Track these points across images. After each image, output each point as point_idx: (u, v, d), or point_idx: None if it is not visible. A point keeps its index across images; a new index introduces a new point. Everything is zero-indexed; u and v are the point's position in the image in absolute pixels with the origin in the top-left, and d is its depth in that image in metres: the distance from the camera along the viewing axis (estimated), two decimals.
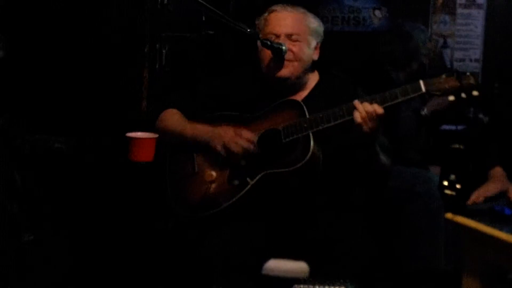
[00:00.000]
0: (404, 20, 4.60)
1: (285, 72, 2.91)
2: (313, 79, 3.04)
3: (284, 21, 2.95)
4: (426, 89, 2.64)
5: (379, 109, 2.66)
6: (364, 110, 2.66)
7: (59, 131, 3.71)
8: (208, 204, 2.86)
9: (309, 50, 2.96)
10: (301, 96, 2.98)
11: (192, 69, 4.26)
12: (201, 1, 3.00)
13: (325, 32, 3.08)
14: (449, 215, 2.27)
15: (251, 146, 2.83)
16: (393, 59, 4.22)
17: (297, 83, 2.97)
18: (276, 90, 2.96)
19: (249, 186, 2.81)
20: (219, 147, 2.85)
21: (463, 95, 2.62)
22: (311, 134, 2.77)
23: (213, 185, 2.89)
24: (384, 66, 4.21)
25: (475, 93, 2.62)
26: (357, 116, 2.67)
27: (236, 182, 2.84)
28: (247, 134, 2.85)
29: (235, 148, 2.83)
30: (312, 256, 2.74)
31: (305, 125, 2.78)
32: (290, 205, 2.85)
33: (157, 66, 3.97)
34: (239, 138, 2.83)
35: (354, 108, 2.68)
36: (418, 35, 4.33)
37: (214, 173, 2.90)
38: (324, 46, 3.09)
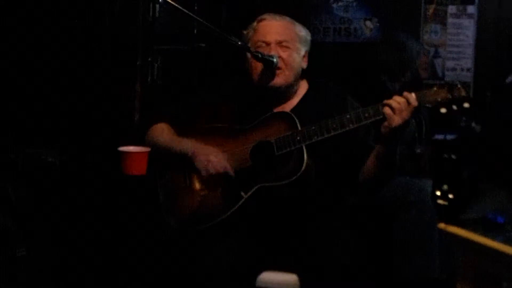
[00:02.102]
0: (398, 30, 4.61)
1: (276, 81, 2.91)
2: (302, 87, 3.05)
3: (273, 29, 2.97)
4: (419, 102, 2.65)
5: (411, 97, 2.65)
6: (396, 100, 2.65)
7: (52, 145, 3.70)
8: (202, 217, 2.86)
9: (299, 57, 2.97)
10: (291, 104, 2.99)
11: (184, 82, 4.26)
12: (193, 15, 3.01)
13: (317, 43, 3.10)
14: (442, 225, 2.27)
15: (227, 172, 2.84)
16: (388, 69, 4.24)
17: (288, 92, 2.98)
18: (267, 99, 2.97)
19: (243, 200, 2.81)
20: (200, 166, 2.87)
21: (454, 107, 2.63)
22: (304, 147, 2.77)
23: (207, 199, 2.89)
24: (379, 76, 4.22)
25: (466, 105, 2.63)
26: (388, 110, 2.63)
27: (230, 196, 2.84)
28: (223, 163, 2.86)
29: (212, 171, 2.85)
30: (306, 267, 2.74)
31: (298, 138, 2.78)
32: (284, 217, 2.85)
33: (149, 79, 3.96)
34: (216, 165, 2.85)
35: (383, 105, 2.67)
36: (412, 45, 4.34)
37: (207, 187, 2.90)
38: (316, 57, 3.10)
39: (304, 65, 3.02)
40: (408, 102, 2.63)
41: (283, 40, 2.94)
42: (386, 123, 2.65)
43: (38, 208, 3.50)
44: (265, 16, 3.02)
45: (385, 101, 2.66)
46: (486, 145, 3.41)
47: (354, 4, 5.44)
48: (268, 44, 2.94)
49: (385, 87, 4.16)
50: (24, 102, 3.85)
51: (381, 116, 2.67)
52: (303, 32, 3.02)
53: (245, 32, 3.05)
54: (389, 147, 2.74)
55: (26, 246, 3.37)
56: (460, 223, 2.31)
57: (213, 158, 2.85)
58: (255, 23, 3.03)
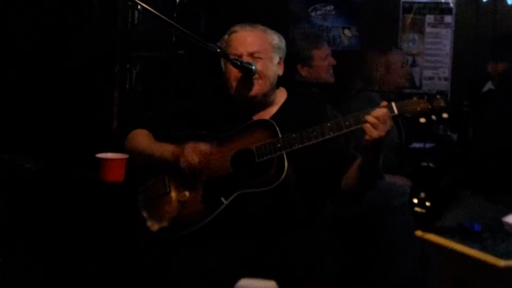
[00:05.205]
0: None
1: (252, 91, 2.92)
2: (281, 95, 3.05)
3: (244, 40, 2.97)
4: (398, 111, 2.67)
5: (391, 108, 2.66)
6: (374, 115, 2.66)
7: (28, 152, 3.67)
8: (182, 224, 2.85)
9: (273, 66, 2.97)
10: (270, 112, 2.99)
11: (162, 89, 4.26)
12: (172, 22, 3.00)
13: None
14: (419, 233, 2.28)
15: (206, 156, 2.84)
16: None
17: (265, 100, 2.98)
18: (246, 108, 2.98)
19: (223, 206, 2.81)
20: (182, 165, 2.85)
21: (433, 117, 2.66)
22: (285, 154, 2.77)
23: (187, 205, 2.88)
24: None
25: (445, 115, 2.66)
26: (368, 125, 2.64)
27: (210, 202, 2.83)
28: (203, 147, 2.85)
29: (192, 161, 2.83)
30: (285, 274, 2.74)
31: (279, 145, 2.78)
32: (264, 223, 2.85)
33: (127, 86, 3.96)
34: (194, 151, 2.83)
35: (363, 120, 2.67)
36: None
37: (187, 193, 2.89)
38: (295, 66, 3.11)
39: (280, 72, 3.02)
40: (389, 113, 2.65)
41: (255, 51, 2.94)
42: (367, 136, 2.66)
43: (14, 215, 3.47)
44: (235, 28, 3.02)
45: (366, 117, 2.66)
46: (463, 152, 3.43)
47: (333, 12, 5.47)
48: (240, 56, 2.94)
49: None
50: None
51: (362, 125, 2.68)
52: (275, 39, 3.02)
53: (218, 44, 3.03)
54: (372, 157, 2.75)
55: (1, 254, 3.34)
56: (437, 231, 2.32)
57: (193, 154, 2.84)
58: (226, 36, 3.03)
